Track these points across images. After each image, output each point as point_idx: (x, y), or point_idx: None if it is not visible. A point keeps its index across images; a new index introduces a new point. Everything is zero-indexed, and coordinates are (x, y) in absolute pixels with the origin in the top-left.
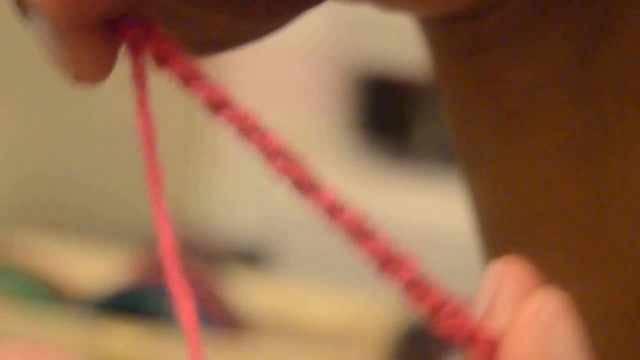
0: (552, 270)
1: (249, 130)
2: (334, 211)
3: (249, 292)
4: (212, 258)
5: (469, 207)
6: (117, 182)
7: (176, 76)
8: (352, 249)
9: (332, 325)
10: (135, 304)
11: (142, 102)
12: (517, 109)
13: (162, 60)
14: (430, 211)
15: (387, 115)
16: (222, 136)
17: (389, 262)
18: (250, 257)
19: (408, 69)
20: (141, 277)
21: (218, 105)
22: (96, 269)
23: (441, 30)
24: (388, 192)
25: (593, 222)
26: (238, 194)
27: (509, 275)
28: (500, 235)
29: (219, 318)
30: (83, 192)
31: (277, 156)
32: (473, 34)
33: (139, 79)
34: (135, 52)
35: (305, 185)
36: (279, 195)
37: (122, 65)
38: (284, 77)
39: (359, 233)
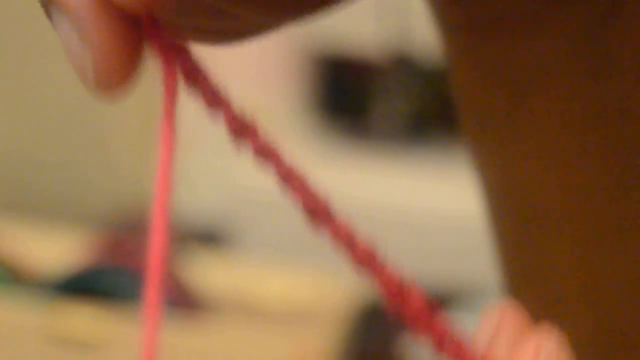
0: (560, 251)
1: (273, 159)
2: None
3: (207, 272)
4: (171, 238)
5: (478, 187)
6: (75, 165)
7: (201, 97)
8: (317, 232)
9: (290, 303)
10: (93, 284)
11: (169, 114)
12: (533, 82)
13: (190, 79)
14: (389, 190)
15: (345, 94)
16: (182, 116)
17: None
18: (209, 237)
19: (365, 48)
20: (99, 258)
21: (240, 131)
22: (54, 250)
23: (455, 5)
24: (347, 171)
25: (607, 193)
26: (197, 175)
27: (507, 318)
28: (511, 216)
29: (178, 297)
30: (41, 175)
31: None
32: (489, 7)
33: (170, 89)
34: (168, 62)
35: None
36: (239, 176)
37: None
38: (240, 56)
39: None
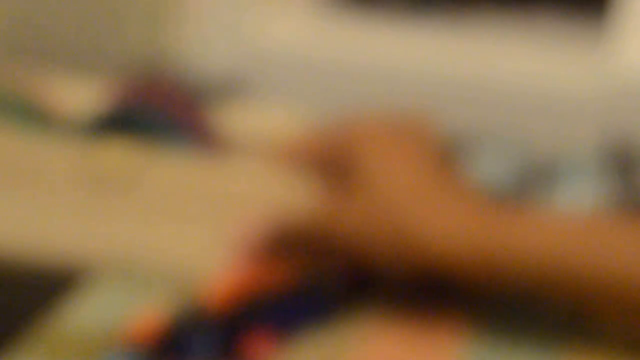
0: None
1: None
2: None
3: (231, 119)
4: (191, 90)
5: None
6: (103, 12)
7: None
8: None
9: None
10: (125, 123)
11: None
12: None
13: None
14: (398, 54)
15: None
16: None
17: None
18: (227, 92)
19: None
20: (129, 99)
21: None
22: (83, 94)
23: None
24: (355, 36)
25: None
26: (212, 30)
27: None
28: None
29: (206, 141)
30: (61, 24)
31: None
32: None
33: None
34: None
35: None
36: (254, 29)
37: None
38: None
39: None
